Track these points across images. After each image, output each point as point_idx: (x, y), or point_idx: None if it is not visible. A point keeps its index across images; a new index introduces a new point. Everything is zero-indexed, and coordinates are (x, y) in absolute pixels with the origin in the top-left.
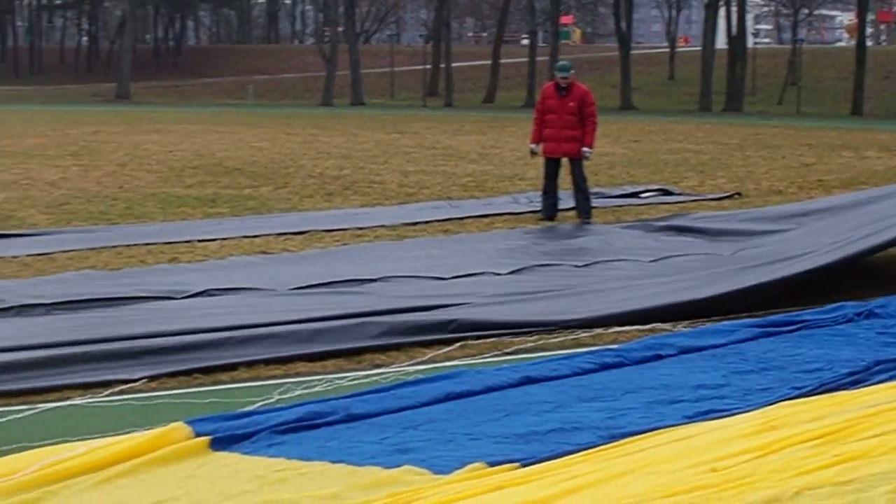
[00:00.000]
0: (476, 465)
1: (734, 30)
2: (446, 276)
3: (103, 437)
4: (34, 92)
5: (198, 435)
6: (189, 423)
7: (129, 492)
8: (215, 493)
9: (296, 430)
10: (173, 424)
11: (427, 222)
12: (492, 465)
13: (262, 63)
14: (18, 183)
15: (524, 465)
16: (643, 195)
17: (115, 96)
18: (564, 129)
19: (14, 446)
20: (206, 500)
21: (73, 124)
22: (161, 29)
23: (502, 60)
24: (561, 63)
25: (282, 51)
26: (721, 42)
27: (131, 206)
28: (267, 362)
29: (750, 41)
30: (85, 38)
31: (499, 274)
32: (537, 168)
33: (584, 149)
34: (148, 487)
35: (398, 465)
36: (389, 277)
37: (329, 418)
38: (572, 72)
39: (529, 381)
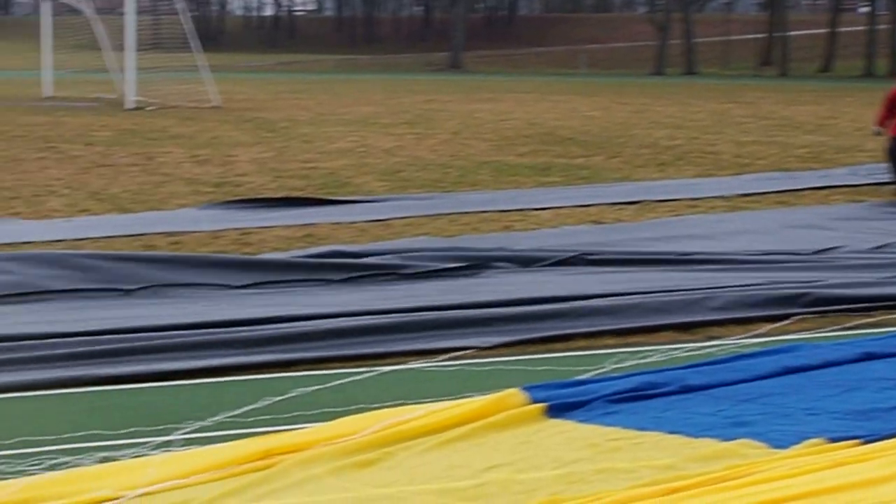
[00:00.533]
0: (815, 440)
1: None
2: (804, 252)
3: (440, 401)
4: (369, 61)
5: (533, 402)
6: (525, 389)
7: (465, 455)
8: (550, 460)
9: (630, 400)
10: (509, 391)
11: (762, 193)
12: (832, 440)
13: (593, 32)
14: (355, 150)
15: (866, 442)
16: None
17: (448, 65)
18: None
19: (354, 407)
20: (541, 465)
21: (407, 93)
22: None
23: (840, 29)
24: None
25: (613, 20)
26: None
27: (465, 174)
28: (603, 334)
29: None
30: (418, 8)
31: (860, 250)
32: (877, 140)
33: None
34: (483, 451)
35: (734, 438)
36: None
37: (664, 389)
38: None
39: (870, 357)
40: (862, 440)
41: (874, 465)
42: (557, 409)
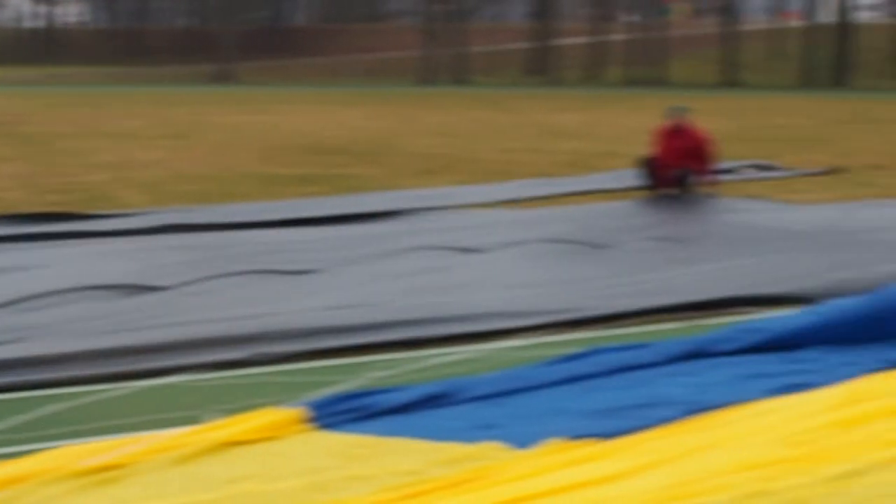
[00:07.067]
0: (557, 439)
1: (842, 3)
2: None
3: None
4: (139, 73)
5: (288, 413)
6: (280, 402)
7: (209, 468)
8: (297, 470)
9: (386, 413)
10: (264, 404)
11: (523, 199)
12: (573, 439)
13: (366, 42)
14: (118, 164)
15: (605, 440)
16: (740, 171)
17: (219, 77)
18: None
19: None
20: (287, 476)
21: (175, 105)
22: (266, 9)
23: (607, 37)
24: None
25: (386, 29)
26: (830, 16)
27: (229, 186)
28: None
29: (859, 15)
30: (191, 19)
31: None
32: (635, 145)
33: None
34: (229, 464)
35: (479, 441)
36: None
37: (406, 400)
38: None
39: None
40: (601, 438)
41: (611, 462)
42: (311, 420)
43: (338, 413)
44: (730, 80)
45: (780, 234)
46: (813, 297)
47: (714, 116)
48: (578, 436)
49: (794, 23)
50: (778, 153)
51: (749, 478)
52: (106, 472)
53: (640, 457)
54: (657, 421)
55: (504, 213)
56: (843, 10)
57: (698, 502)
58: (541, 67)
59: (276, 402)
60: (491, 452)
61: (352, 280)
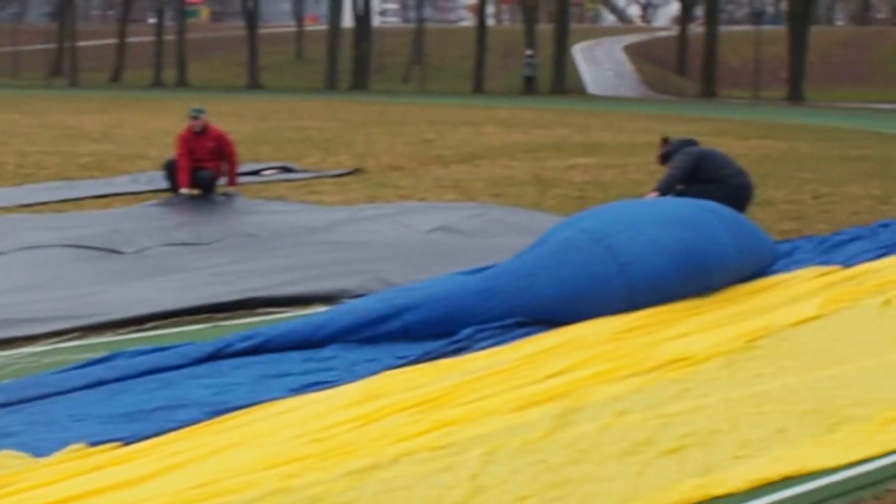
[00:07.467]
0: (77, 445)
1: (360, 9)
2: None
3: None
4: None
5: None
6: None
7: None
8: None
9: None
10: None
11: (44, 203)
12: (93, 444)
13: None
14: None
15: (127, 444)
16: (264, 173)
17: None
18: None
19: None
20: None
21: None
22: None
23: (129, 39)
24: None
25: None
26: (349, 21)
27: None
28: None
29: (377, 20)
30: None
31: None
32: (159, 147)
33: None
34: None
35: None
36: None
37: None
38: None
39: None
40: (122, 442)
41: (132, 467)
42: None
43: None
44: (253, 82)
45: (301, 235)
46: (332, 297)
47: (238, 118)
48: (99, 441)
49: (315, 27)
50: (301, 155)
51: (271, 475)
52: None
53: (163, 459)
54: (180, 423)
55: (24, 218)
56: (361, 15)
57: (221, 501)
58: (62, 69)
59: None
60: (8, 461)
61: None
